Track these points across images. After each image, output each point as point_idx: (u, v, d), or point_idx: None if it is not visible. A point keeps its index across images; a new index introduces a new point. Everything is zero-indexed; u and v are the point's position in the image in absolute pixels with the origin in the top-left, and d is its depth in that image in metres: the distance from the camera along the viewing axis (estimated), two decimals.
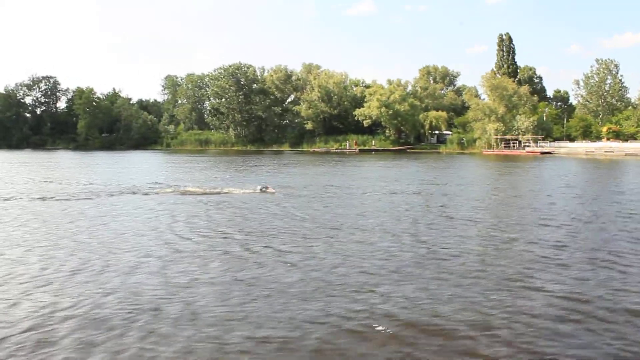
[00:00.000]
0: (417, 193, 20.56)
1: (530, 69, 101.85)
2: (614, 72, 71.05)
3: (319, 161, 48.03)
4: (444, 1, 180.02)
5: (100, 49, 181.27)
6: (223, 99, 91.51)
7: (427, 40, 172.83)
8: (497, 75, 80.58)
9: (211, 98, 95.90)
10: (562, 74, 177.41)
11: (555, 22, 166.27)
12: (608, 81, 71.71)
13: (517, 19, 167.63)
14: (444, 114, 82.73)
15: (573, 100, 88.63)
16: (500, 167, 39.97)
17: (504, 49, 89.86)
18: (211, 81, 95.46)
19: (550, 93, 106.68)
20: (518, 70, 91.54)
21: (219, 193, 20.18)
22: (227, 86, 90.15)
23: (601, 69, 71.43)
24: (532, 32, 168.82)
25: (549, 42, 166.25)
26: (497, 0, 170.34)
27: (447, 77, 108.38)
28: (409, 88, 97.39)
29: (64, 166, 42.43)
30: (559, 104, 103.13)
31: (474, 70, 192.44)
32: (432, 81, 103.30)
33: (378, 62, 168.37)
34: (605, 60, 71.45)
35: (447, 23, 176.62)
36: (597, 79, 71.98)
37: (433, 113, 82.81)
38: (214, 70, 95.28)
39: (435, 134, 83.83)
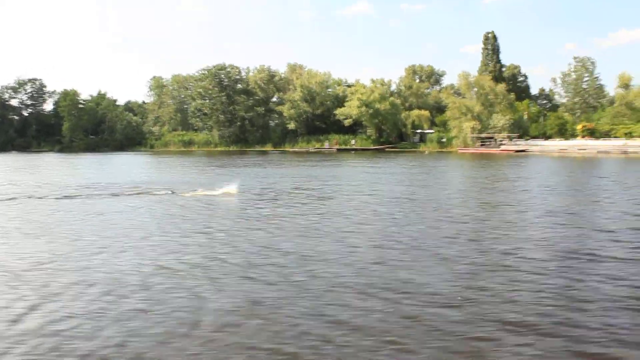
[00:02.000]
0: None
1: (515, 67, 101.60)
2: (590, 70, 70.85)
3: (293, 161, 48.15)
4: (440, 1, 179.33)
5: (90, 49, 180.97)
6: (206, 100, 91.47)
7: (421, 40, 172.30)
8: (486, 73, 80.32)
9: (195, 99, 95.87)
10: (557, 73, 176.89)
11: (552, 20, 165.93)
12: (585, 79, 71.50)
13: (514, 18, 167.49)
14: (426, 112, 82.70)
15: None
16: (462, 168, 39.97)
17: (489, 47, 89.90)
18: (194, 82, 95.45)
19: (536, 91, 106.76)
20: (503, 69, 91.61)
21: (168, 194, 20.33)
22: (210, 87, 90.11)
23: (578, 67, 71.28)
24: (529, 31, 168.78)
25: (545, 41, 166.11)
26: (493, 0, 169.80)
27: (433, 76, 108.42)
28: (393, 87, 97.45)
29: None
30: (544, 102, 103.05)
31: (468, 70, 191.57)
32: (417, 80, 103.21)
33: (372, 62, 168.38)
34: (583, 57, 71.37)
35: (442, 23, 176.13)
36: (574, 77, 71.79)
37: (415, 112, 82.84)
38: (197, 72, 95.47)
39: (417, 132, 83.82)
